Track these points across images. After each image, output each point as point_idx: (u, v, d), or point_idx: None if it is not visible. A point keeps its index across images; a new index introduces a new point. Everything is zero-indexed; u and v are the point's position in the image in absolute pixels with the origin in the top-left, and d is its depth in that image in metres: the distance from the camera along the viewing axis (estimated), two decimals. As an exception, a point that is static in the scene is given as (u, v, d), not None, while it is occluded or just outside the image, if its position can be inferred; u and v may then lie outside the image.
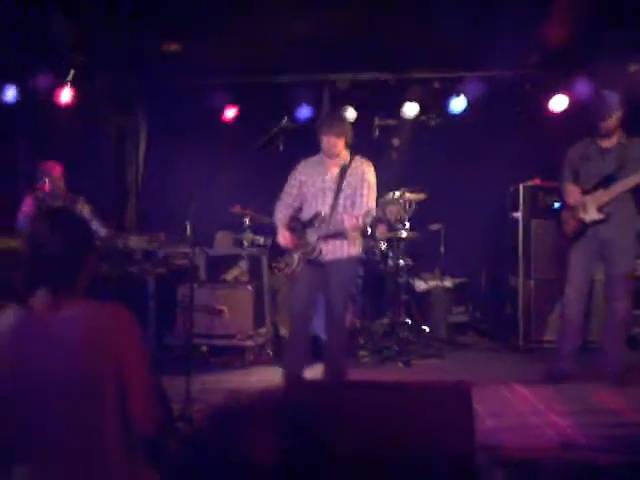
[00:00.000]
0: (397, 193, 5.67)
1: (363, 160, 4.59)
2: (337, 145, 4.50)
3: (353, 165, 4.52)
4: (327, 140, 4.48)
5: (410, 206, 4.24)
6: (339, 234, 4.39)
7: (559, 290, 5.22)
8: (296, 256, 4.49)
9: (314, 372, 4.86)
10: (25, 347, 1.90)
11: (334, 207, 4.43)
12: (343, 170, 4.49)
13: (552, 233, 5.71)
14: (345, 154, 4.56)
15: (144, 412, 1.96)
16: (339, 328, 4.52)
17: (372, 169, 4.56)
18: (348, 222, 4.24)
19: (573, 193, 4.90)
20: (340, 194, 4.45)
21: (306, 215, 4.56)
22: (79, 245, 2.04)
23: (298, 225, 4.57)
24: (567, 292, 4.95)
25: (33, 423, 1.89)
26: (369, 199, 4.47)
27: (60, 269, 1.99)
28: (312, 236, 4.44)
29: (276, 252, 4.99)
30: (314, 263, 4.43)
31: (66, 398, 1.88)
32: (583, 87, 6.24)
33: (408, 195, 5.73)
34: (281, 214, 4.65)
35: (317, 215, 4.47)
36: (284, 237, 4.55)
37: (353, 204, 4.45)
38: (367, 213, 4.27)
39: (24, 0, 5.25)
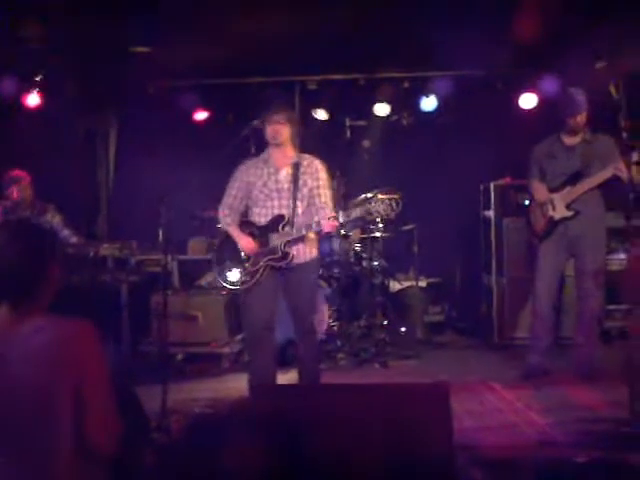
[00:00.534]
0: (370, 195, 5.65)
1: (313, 157, 4.37)
2: (282, 132, 4.23)
3: (305, 163, 4.29)
4: (272, 128, 4.22)
5: (398, 205, 4.05)
6: (302, 237, 4.19)
7: (531, 287, 5.27)
8: (262, 263, 4.19)
9: (287, 379, 4.85)
10: None
11: (294, 209, 4.22)
12: (295, 169, 4.26)
13: (524, 231, 5.74)
14: (293, 152, 4.33)
15: (99, 427, 1.94)
16: (310, 334, 4.32)
17: (324, 166, 4.36)
18: (327, 225, 4.06)
19: (541, 191, 4.96)
20: (297, 194, 4.22)
21: (260, 218, 4.27)
22: (39, 256, 2.01)
23: (255, 230, 4.28)
24: (536, 287, 5.00)
25: None
26: (327, 198, 4.29)
27: (19, 281, 1.96)
28: (278, 241, 4.17)
29: (223, 260, 4.38)
30: (276, 269, 4.20)
31: (22, 410, 1.87)
32: (551, 85, 6.29)
33: (381, 196, 5.72)
34: (229, 218, 4.36)
35: (279, 218, 4.21)
36: (248, 243, 4.24)
37: (312, 204, 4.26)
38: (346, 213, 4.12)
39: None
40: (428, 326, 6.62)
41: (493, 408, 4.36)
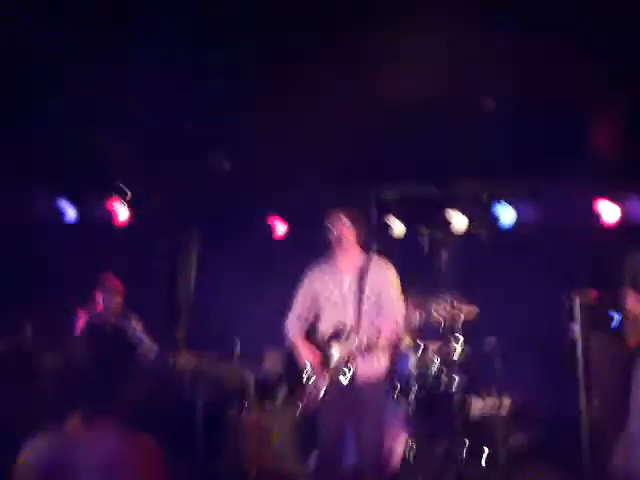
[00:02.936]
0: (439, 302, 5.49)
1: (381, 260, 4.16)
2: (347, 236, 4.06)
3: (372, 267, 4.06)
4: (336, 231, 4.05)
5: (457, 305, 3.88)
6: (370, 348, 3.91)
7: (625, 409, 4.93)
8: (327, 378, 3.95)
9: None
10: (52, 474, 1.90)
11: (359, 316, 3.95)
12: (362, 273, 4.02)
13: (613, 346, 5.47)
14: (359, 254, 4.14)
15: None
16: (377, 458, 4.03)
17: (394, 269, 4.13)
18: (388, 333, 3.87)
19: (634, 302, 4.72)
20: (364, 300, 3.97)
21: (326, 328, 4.05)
22: (120, 368, 2.05)
23: (319, 341, 4.06)
24: (633, 412, 4.65)
25: None
26: (398, 303, 4.04)
27: (97, 391, 1.99)
28: (340, 353, 3.91)
29: (293, 376, 4.15)
30: (341, 383, 3.92)
31: None
32: (636, 206, 6.20)
33: (459, 305, 5.59)
34: (296, 329, 4.15)
35: (341, 327, 3.97)
36: (312, 356, 3.99)
37: (380, 310, 4.00)
38: (408, 320, 3.97)
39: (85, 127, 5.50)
40: (511, 450, 6.23)
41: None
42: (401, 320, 3.95)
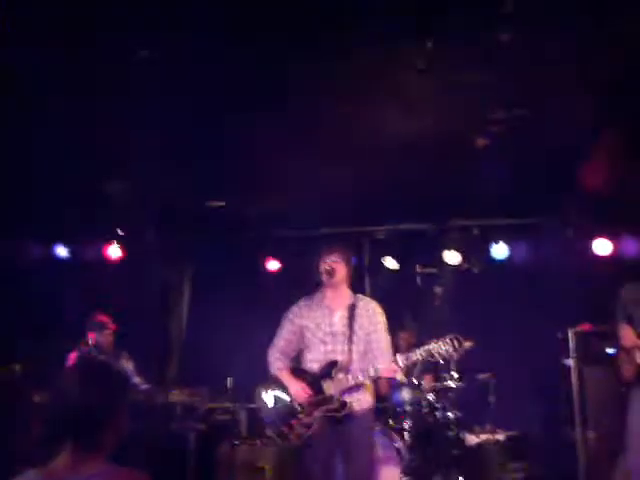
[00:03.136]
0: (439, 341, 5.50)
1: (368, 299, 4.19)
2: (337, 271, 4.05)
3: (361, 305, 4.07)
4: (327, 266, 4.02)
5: (460, 344, 3.85)
6: (359, 386, 3.91)
7: (621, 441, 4.87)
8: (317, 413, 3.88)
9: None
10: None
11: (349, 354, 3.94)
12: (351, 311, 4.03)
13: (607, 380, 5.43)
14: (348, 293, 4.14)
15: None
16: None
17: (381, 309, 4.14)
18: (385, 370, 3.82)
19: (629, 335, 4.69)
20: (353, 338, 3.96)
21: (313, 364, 4.01)
22: (108, 400, 1.99)
23: (308, 377, 4.00)
24: (631, 446, 4.60)
25: None
26: (385, 342, 4.03)
27: (85, 424, 1.94)
28: (333, 389, 3.88)
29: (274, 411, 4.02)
30: (332, 420, 3.87)
31: None
32: (630, 245, 6.25)
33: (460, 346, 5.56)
34: (280, 363, 4.09)
35: (333, 364, 3.93)
36: (302, 391, 3.93)
37: (368, 350, 4.00)
38: (405, 356, 3.86)
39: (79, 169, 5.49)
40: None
41: None
42: (390, 359, 3.92)
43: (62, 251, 6.96)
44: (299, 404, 3.95)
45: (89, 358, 5.20)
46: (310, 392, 3.92)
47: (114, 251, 6.84)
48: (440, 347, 3.81)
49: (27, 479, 1.92)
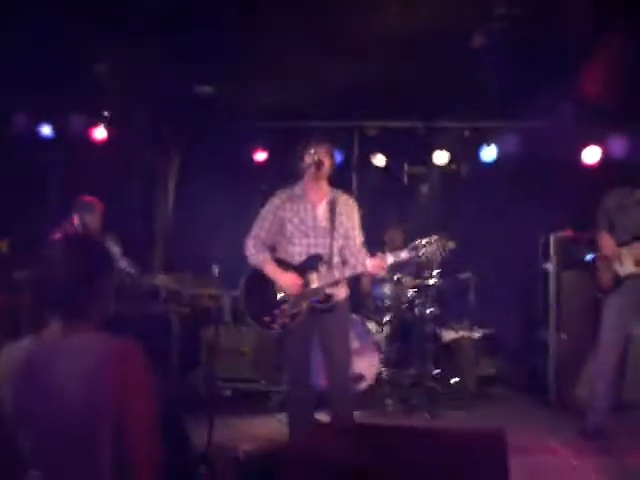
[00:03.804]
0: (425, 240, 5.56)
1: (347, 195, 4.17)
2: (326, 164, 4.00)
3: (341, 201, 4.07)
4: (317, 157, 3.93)
5: (446, 247, 3.91)
6: (340, 280, 3.95)
7: (592, 344, 5.07)
8: (305, 304, 3.92)
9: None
10: (33, 378, 1.91)
11: (331, 248, 3.96)
12: (332, 205, 4.03)
13: (584, 285, 5.55)
14: (328, 187, 4.11)
15: (141, 447, 1.93)
16: (345, 376, 4.03)
17: (357, 205, 4.14)
18: (374, 266, 3.85)
19: (609, 244, 4.76)
20: (334, 234, 3.98)
21: (294, 257, 4.00)
22: (90, 268, 2.02)
23: (290, 269, 3.96)
24: (600, 344, 4.78)
25: (41, 440, 1.93)
26: (360, 240, 4.08)
27: (69, 293, 1.97)
28: (317, 282, 3.92)
29: (254, 300, 4.01)
30: (315, 311, 3.93)
31: (64, 423, 1.88)
32: (619, 146, 6.20)
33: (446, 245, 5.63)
34: (263, 254, 4.01)
35: (317, 257, 3.95)
36: (294, 282, 3.92)
37: (346, 245, 4.03)
38: (394, 254, 3.88)
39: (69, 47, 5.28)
40: (479, 378, 6.42)
41: (551, 468, 4.16)
42: (365, 256, 3.96)
43: (47, 130, 6.81)
44: (286, 295, 3.96)
45: (74, 232, 5.18)
46: (301, 283, 3.93)
47: (100, 133, 6.71)
48: (426, 247, 3.85)
49: (21, 346, 1.97)
